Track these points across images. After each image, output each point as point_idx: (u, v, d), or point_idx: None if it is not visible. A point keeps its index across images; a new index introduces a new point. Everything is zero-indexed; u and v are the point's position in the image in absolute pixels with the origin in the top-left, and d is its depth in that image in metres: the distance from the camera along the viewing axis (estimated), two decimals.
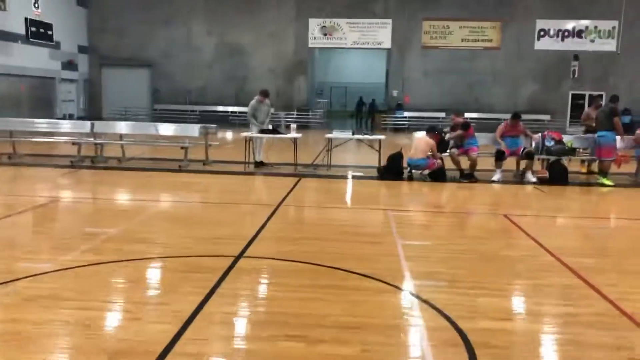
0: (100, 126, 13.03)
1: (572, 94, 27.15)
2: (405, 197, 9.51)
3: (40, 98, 25.47)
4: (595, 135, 10.82)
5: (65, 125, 13.95)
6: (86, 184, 9.95)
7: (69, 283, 4.47)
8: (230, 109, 27.94)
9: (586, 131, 11.96)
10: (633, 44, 25.70)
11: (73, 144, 12.30)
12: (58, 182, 9.66)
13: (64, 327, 3.63)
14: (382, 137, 12.03)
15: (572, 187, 10.38)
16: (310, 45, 28.32)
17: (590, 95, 26.43)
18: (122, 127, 12.95)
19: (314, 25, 27.83)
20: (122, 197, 8.78)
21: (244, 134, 11.74)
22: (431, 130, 10.93)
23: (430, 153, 10.45)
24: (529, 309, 4.19)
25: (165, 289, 4.42)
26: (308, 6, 27.63)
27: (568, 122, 26.75)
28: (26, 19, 23.56)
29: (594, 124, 11.19)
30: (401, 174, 10.74)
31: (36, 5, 24.28)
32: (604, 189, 10.17)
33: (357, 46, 28.45)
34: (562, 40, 26.82)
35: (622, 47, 25.97)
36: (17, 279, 4.47)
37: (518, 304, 4.35)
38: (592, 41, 26.59)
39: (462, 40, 27.30)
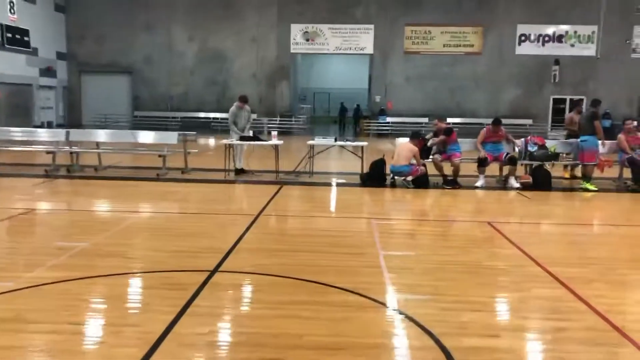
0: (76, 134, 12.74)
1: (554, 99, 27.32)
2: (388, 205, 9.35)
3: (17, 105, 24.93)
4: (578, 139, 10.79)
5: (41, 134, 13.58)
6: (60, 194, 9.64)
7: (32, 303, 4.21)
8: (212, 115, 27.68)
9: (569, 136, 11.93)
10: (612, 48, 25.95)
11: (47, 152, 11.97)
12: (30, 193, 9.33)
13: (22, 355, 3.37)
14: (364, 143, 11.88)
15: (556, 192, 10.31)
16: (292, 51, 28.17)
17: (571, 100, 26.70)
18: (100, 134, 12.65)
19: (296, 30, 27.69)
20: (97, 208, 8.49)
21: (224, 141, 11.51)
22: (415, 137, 10.81)
23: (413, 159, 10.32)
24: (516, 324, 4.03)
25: (134, 308, 4.19)
26: (290, 11, 27.49)
27: (550, 126, 26.91)
28: (1, 25, 23.07)
29: (577, 129, 11.16)
30: (384, 181, 10.59)
31: (12, 11, 23.81)
32: (587, 194, 10.11)
33: (340, 52, 28.38)
34: (543, 45, 27.00)
35: (602, 51, 26.22)
36: None
37: (505, 319, 4.19)
38: (572, 46, 26.81)
39: (444, 46, 27.36)
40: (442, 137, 10.83)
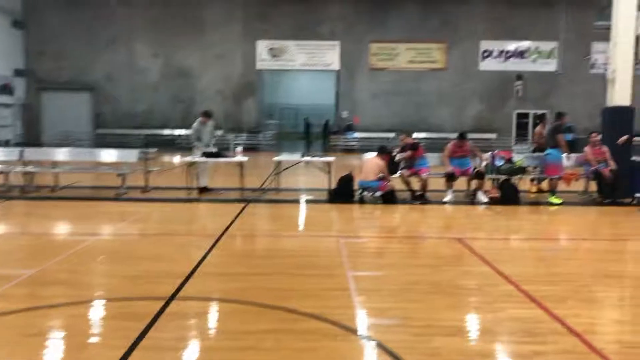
0: (32, 153, 12.19)
1: (517, 113, 27.76)
2: (357, 222, 9.14)
3: None
4: (544, 153, 10.83)
5: None
6: (10, 216, 9.12)
7: None
8: (177, 132, 27.18)
9: (536, 149, 11.98)
10: (572, 63, 26.59)
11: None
12: None
13: None
14: (332, 159, 11.69)
15: (524, 206, 10.27)
16: (258, 67, 28.01)
17: (534, 114, 27.20)
18: (57, 153, 12.10)
19: (262, 46, 27.56)
20: (49, 231, 8.02)
21: (186, 158, 11.16)
22: (382, 151, 10.67)
23: (381, 174, 10.16)
24: (491, 349, 3.81)
25: (78, 344, 3.82)
26: (255, 28, 27.36)
27: (513, 140, 27.30)
28: None
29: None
30: (352, 197, 10.40)
31: None
32: (554, 208, 10.10)
33: (306, 68, 28.36)
34: (505, 60, 27.50)
35: (562, 67, 26.83)
36: None
37: (479, 344, 3.96)
38: (534, 61, 27.37)
39: (409, 62, 27.61)
40: (409, 152, 10.72)
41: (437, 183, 10.83)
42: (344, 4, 26.96)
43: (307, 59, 27.73)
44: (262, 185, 12.05)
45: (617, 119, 10.95)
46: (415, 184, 10.51)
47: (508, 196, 10.36)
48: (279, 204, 10.16)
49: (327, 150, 26.57)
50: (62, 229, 8.25)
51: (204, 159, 10.97)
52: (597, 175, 10.51)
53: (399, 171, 10.61)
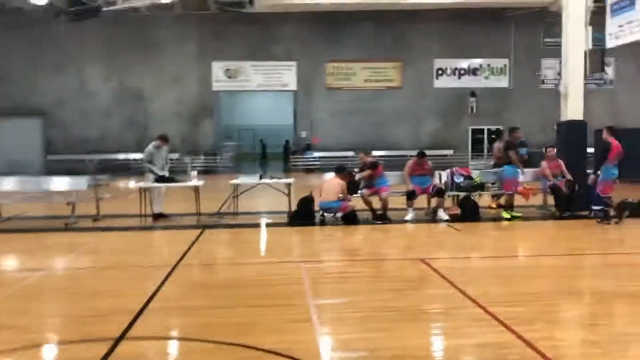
0: None
1: (472, 129, 28.23)
2: (318, 245, 8.91)
3: None
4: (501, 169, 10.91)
5: None
6: None
7: None
8: (131, 156, 26.37)
9: (495, 165, 12.05)
10: (523, 79, 27.30)
11: None
12: None
13: None
14: (291, 180, 11.46)
15: (484, 222, 10.27)
16: (214, 89, 27.67)
17: (489, 130, 27.74)
18: (3, 182, 11.40)
19: (217, 68, 27.27)
20: None
21: (139, 184, 10.73)
22: (339, 171, 10.51)
23: (341, 195, 9.98)
24: None
25: None
26: (210, 49, 27.07)
27: (470, 156, 27.72)
28: None
29: None
30: (313, 218, 10.17)
31: None
32: (511, 223, 10.11)
33: (263, 88, 28.20)
34: (459, 78, 28.01)
35: (514, 83, 27.53)
36: None
37: None
38: (487, 78, 27.99)
39: (365, 81, 27.80)
40: (368, 171, 10.60)
41: (397, 201, 10.72)
42: (298, 24, 26.99)
43: (263, 80, 27.59)
44: (219, 209, 11.69)
45: (572, 133, 11.14)
46: (376, 204, 10.38)
47: (468, 213, 10.34)
48: (238, 229, 9.85)
49: (288, 170, 26.36)
50: (5, 264, 7.72)
51: (157, 184, 10.57)
52: (554, 189, 10.62)
53: (359, 191, 10.47)
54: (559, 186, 10.51)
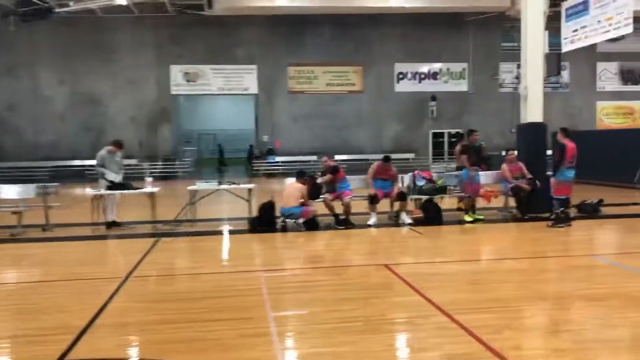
0: None
1: (433, 132, 28.45)
2: (279, 252, 8.63)
3: None
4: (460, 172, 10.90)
5: None
6: None
7: None
8: (87, 162, 25.47)
9: (458, 168, 12.02)
10: (482, 83, 27.68)
11: None
12: None
13: None
14: (252, 185, 11.15)
15: (447, 226, 10.17)
16: (173, 92, 27.06)
17: (449, 133, 28.02)
18: None
19: (176, 71, 26.69)
20: None
21: (90, 191, 10.24)
22: (300, 176, 10.27)
23: (302, 200, 9.74)
24: None
25: None
26: (168, 52, 26.47)
27: (431, 159, 27.92)
28: None
29: None
30: (274, 225, 9.89)
31: None
32: (474, 226, 10.07)
33: (223, 92, 27.76)
34: (420, 82, 28.20)
35: (473, 87, 27.88)
36: None
37: None
38: (446, 82, 28.26)
39: (327, 85, 27.69)
40: (329, 175, 10.40)
41: (360, 205, 10.55)
42: (259, 27, 26.67)
43: (224, 84, 27.14)
44: (177, 216, 11.29)
45: (531, 135, 11.20)
46: (339, 208, 10.17)
47: (431, 216, 10.25)
48: (195, 237, 9.47)
49: (250, 175, 25.96)
50: None
51: (110, 191, 10.10)
52: (515, 191, 10.64)
53: (322, 195, 10.25)
54: (521, 187, 10.52)
